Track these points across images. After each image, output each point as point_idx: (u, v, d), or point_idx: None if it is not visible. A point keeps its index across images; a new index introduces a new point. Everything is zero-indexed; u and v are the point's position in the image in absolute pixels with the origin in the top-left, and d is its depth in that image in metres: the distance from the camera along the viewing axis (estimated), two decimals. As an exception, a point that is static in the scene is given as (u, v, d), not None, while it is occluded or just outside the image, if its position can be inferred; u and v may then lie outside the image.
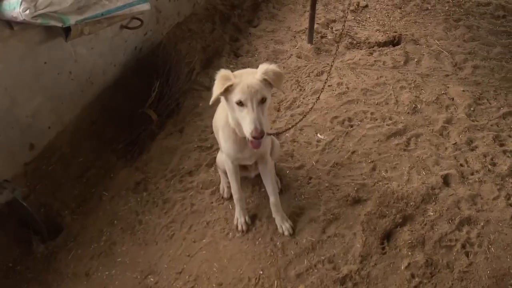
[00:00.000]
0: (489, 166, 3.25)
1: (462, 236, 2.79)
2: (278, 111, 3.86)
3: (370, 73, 4.23)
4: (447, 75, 4.21)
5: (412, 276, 2.60)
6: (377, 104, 3.85)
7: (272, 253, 2.75)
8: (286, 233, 2.85)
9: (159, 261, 2.76)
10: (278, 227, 2.88)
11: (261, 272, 2.66)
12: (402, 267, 2.64)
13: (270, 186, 2.84)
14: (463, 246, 2.74)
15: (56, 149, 3.28)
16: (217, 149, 3.47)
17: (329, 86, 4.07)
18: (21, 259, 2.77)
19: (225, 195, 3.15)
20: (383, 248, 2.75)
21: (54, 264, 2.76)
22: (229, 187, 3.11)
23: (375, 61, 4.41)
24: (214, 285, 2.61)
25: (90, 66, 3.56)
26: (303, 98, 3.97)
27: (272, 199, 2.86)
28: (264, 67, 2.24)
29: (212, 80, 4.17)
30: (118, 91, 3.80)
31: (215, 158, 3.39)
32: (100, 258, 2.80)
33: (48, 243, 2.85)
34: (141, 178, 3.27)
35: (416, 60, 4.43)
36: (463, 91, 3.96)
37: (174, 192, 3.16)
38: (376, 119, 3.69)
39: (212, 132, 3.57)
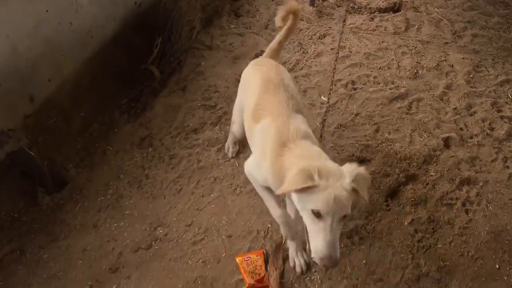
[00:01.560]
0: (488, 131, 3.35)
1: (462, 195, 2.90)
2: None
3: (372, 37, 4.24)
4: (447, 43, 4.26)
5: (416, 231, 2.69)
6: (379, 68, 3.88)
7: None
8: (298, 270, 2.51)
9: (167, 214, 2.77)
10: (291, 261, 2.54)
11: (270, 226, 2.70)
12: (406, 223, 2.73)
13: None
14: (463, 204, 2.84)
15: (57, 103, 3.20)
16: (221, 108, 3.47)
17: (331, 49, 4.06)
18: (26, 210, 2.74)
19: (230, 154, 3.14)
20: (388, 205, 2.83)
21: (60, 216, 2.75)
22: (234, 147, 3.12)
23: (376, 26, 4.41)
24: (223, 237, 2.65)
25: (91, 19, 3.44)
26: (306, 61, 3.97)
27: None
28: (354, 171, 1.82)
29: (213, 39, 4.17)
30: (119, 46, 3.70)
31: (219, 117, 3.40)
32: (107, 211, 2.79)
33: (54, 195, 2.83)
34: (145, 134, 3.24)
35: (416, 27, 4.45)
36: (463, 58, 4.02)
37: (180, 149, 3.15)
38: (379, 83, 3.72)
39: (216, 91, 3.55)
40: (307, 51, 4.07)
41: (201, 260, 2.54)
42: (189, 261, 2.54)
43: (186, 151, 3.13)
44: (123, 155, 3.10)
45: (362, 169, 1.86)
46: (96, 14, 3.49)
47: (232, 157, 3.13)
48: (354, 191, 1.79)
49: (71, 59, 3.35)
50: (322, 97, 3.61)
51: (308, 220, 1.83)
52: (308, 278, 2.46)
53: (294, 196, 1.90)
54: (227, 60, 3.92)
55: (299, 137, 2.09)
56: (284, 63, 3.93)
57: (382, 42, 4.18)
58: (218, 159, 3.09)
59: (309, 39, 4.22)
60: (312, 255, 1.81)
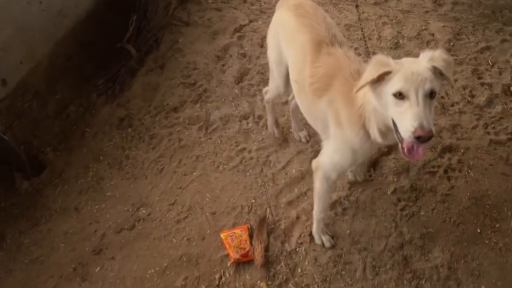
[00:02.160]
0: (468, 98, 3.35)
1: (444, 162, 2.91)
2: (262, 47, 3.77)
3: (352, 9, 4.17)
4: (427, 11, 4.22)
5: (398, 200, 2.71)
6: (360, 39, 3.83)
7: (263, 183, 2.78)
8: (359, 179, 2.74)
9: (150, 194, 2.74)
10: (351, 176, 2.75)
11: (254, 201, 2.70)
12: (389, 192, 2.74)
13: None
14: (445, 172, 2.86)
15: (30, 86, 3.11)
16: (201, 86, 3.41)
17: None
18: (5, 196, 2.70)
19: (304, 139, 3.00)
20: (370, 176, 2.84)
21: (40, 200, 2.70)
22: (302, 131, 2.99)
23: (356, -4, 4.34)
24: (207, 214, 2.64)
25: (61, -3, 3.32)
26: (286, 34, 3.89)
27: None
28: (429, 53, 1.69)
29: (190, 15, 4.07)
30: (93, 25, 3.59)
31: (199, 94, 3.34)
32: (88, 193, 2.75)
33: (32, 179, 2.77)
34: (124, 114, 3.18)
35: (397, -4, 4.39)
36: (443, 26, 3.99)
37: (161, 128, 3.10)
38: (360, 54, 3.68)
39: (195, 68, 3.49)
40: (287, 25, 4.00)
41: (185, 238, 2.53)
42: (174, 240, 2.53)
43: (167, 130, 3.08)
44: (102, 137, 3.04)
45: (439, 51, 1.70)
46: (67, -8, 3.37)
47: (307, 141, 3.00)
48: (436, 70, 1.65)
49: (43, 40, 3.24)
50: (303, 70, 3.56)
51: (393, 109, 1.66)
52: (292, 250, 2.47)
53: (374, 99, 1.75)
54: (206, 36, 3.83)
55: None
56: (263, 37, 3.85)
57: (363, 13, 4.12)
58: (200, 137, 3.05)
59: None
60: (404, 137, 1.63)
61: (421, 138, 1.55)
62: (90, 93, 3.27)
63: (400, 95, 1.62)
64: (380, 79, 1.66)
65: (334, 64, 1.99)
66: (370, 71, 1.68)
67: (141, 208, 2.67)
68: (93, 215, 2.65)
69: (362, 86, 1.71)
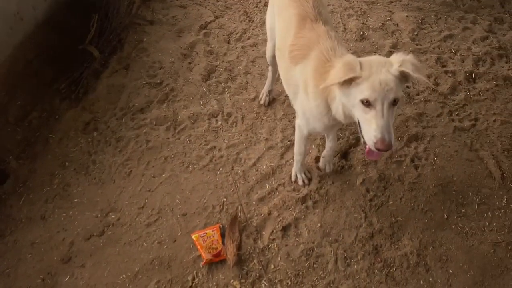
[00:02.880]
0: (433, 86, 3.41)
1: (410, 151, 2.97)
2: (228, 43, 3.74)
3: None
4: (391, 2, 4.28)
5: (367, 190, 2.75)
6: (326, 32, 3.84)
7: (234, 181, 2.77)
8: (327, 170, 2.81)
9: (118, 198, 2.70)
10: (321, 163, 2.82)
11: (225, 200, 2.69)
12: (358, 183, 2.78)
13: (332, 140, 2.69)
14: (412, 160, 2.91)
15: (-11, 93, 3.00)
16: (168, 85, 3.36)
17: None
18: (-34, 209, 2.59)
19: (263, 101, 3.19)
20: (339, 167, 2.87)
21: (4, 211, 2.62)
22: (268, 96, 3.17)
23: (321, -11, 4.35)
24: (178, 216, 2.61)
25: (17, 0, 3.20)
26: (253, 30, 3.88)
27: (328, 153, 2.77)
28: (399, 57, 1.79)
29: (154, 13, 4.00)
30: (53, 28, 3.47)
31: (166, 94, 3.30)
32: (55, 201, 2.68)
33: (-5, 190, 2.68)
34: (89, 118, 3.10)
35: (361, -13, 4.42)
36: (407, 16, 4.05)
37: (127, 130, 3.04)
38: (326, 47, 3.69)
39: (161, 68, 3.44)
40: (253, 20, 3.98)
41: (156, 241, 2.50)
42: (144, 243, 2.50)
43: (133, 132, 3.02)
44: (67, 142, 2.96)
45: (411, 57, 1.81)
46: (23, -5, 3.25)
47: (265, 105, 3.20)
48: (403, 76, 1.77)
49: (0, 45, 3.12)
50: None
51: (359, 112, 1.82)
52: (265, 247, 2.48)
53: (341, 95, 1.88)
54: (171, 34, 3.77)
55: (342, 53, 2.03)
56: (230, 33, 3.84)
57: (328, 5, 4.13)
58: (168, 138, 3.01)
59: (254, 7, 4.11)
60: (367, 143, 1.81)
61: (381, 150, 1.74)
62: (53, 97, 3.17)
63: (367, 102, 1.75)
64: (347, 82, 1.77)
65: (314, 38, 2.12)
66: (339, 73, 1.78)
67: (110, 213, 2.62)
68: (61, 223, 2.58)
69: (329, 86, 1.85)
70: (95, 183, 2.76)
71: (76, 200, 2.69)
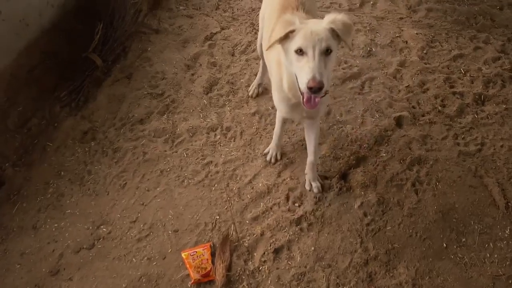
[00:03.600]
0: (439, 107, 3.32)
1: (412, 175, 2.88)
2: (233, 55, 3.71)
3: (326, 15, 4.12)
4: (402, 18, 4.19)
5: (365, 214, 2.67)
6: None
7: (228, 198, 2.72)
8: (315, 190, 2.75)
9: (111, 211, 2.67)
10: (307, 183, 2.77)
11: (218, 217, 2.64)
12: (355, 206, 2.70)
13: (312, 145, 2.66)
14: (413, 184, 2.83)
15: (-9, 98, 3.01)
16: (169, 96, 3.34)
17: (284, 29, 3.93)
18: (-40, 215, 2.59)
19: (250, 93, 3.33)
20: (338, 189, 2.79)
21: (-3, 219, 2.61)
22: (257, 88, 3.32)
23: (331, 3, 4.30)
24: (170, 232, 2.57)
25: (24, 6, 3.22)
26: (258, 42, 3.83)
27: (311, 158, 2.69)
28: (332, 16, 1.93)
29: (161, 22, 3.98)
30: (58, 34, 3.48)
31: (167, 105, 3.28)
32: (47, 211, 2.67)
33: (-12, 198, 2.67)
34: (88, 127, 3.09)
35: (371, 2, 4.35)
36: (417, 34, 3.97)
37: (125, 141, 3.02)
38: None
39: (163, 78, 3.42)
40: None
41: (146, 258, 2.46)
42: (134, 259, 2.46)
43: (131, 143, 3.00)
44: (64, 151, 2.95)
45: (342, 16, 1.95)
46: (30, 1, 3.27)
47: (252, 97, 3.31)
48: (333, 32, 1.90)
49: (4, 50, 3.14)
50: (274, 79, 3.51)
51: (295, 65, 1.92)
52: (255, 269, 2.42)
53: (283, 56, 2.03)
54: (176, 44, 3.76)
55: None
56: (235, 45, 3.80)
57: (336, 19, 4.08)
58: (165, 151, 2.98)
59: (261, 19, 4.07)
60: (301, 88, 1.92)
61: (312, 88, 1.82)
62: (53, 105, 3.18)
63: (300, 52, 1.87)
64: (286, 37, 1.91)
65: None
66: (279, 30, 1.92)
67: (102, 226, 2.60)
68: (52, 234, 2.57)
69: (272, 44, 1.97)
70: (89, 194, 2.74)
71: (69, 211, 2.67)
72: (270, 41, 1.99)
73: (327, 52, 1.87)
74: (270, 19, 2.43)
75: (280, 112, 2.57)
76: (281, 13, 2.30)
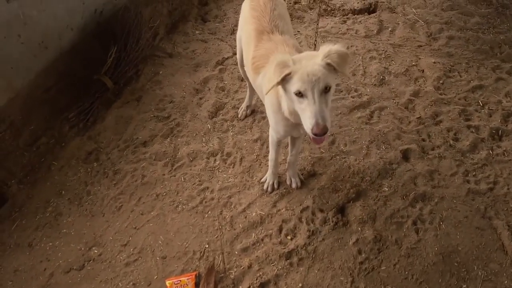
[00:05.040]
0: (451, 141, 3.17)
1: (414, 212, 2.74)
2: (242, 80, 3.72)
3: (341, 42, 4.07)
4: (420, 46, 4.07)
5: (359, 252, 2.56)
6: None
7: (220, 227, 2.70)
8: (293, 185, 2.88)
9: (104, 233, 2.71)
10: (287, 179, 2.90)
11: (207, 246, 2.61)
12: (350, 243, 2.60)
13: (295, 147, 2.74)
14: (414, 223, 2.69)
15: (6, 116, 3.15)
16: (174, 120, 3.38)
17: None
18: (-37, 229, 2.71)
19: (239, 115, 3.34)
20: (334, 223, 2.70)
21: (-4, 235, 2.71)
22: (245, 110, 3.36)
23: (347, 29, 4.25)
24: (158, 258, 2.57)
25: (42, 29, 3.38)
26: (269, 67, 3.83)
27: (292, 158, 2.80)
28: (326, 48, 1.91)
29: (175, 46, 4.07)
30: (77, 56, 3.63)
31: (171, 128, 3.31)
32: (44, 229, 2.74)
33: (-9, 213, 2.79)
34: (93, 148, 3.18)
35: (390, 29, 4.26)
36: (434, 63, 3.83)
37: (126, 163, 3.08)
38: (341, 91, 3.57)
39: (171, 102, 3.47)
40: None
41: (131, 283, 2.47)
42: (120, 284, 2.47)
43: (132, 165, 3.05)
44: (67, 170, 3.04)
45: (337, 46, 1.92)
46: (49, 25, 3.42)
47: (241, 119, 3.36)
48: (330, 66, 1.88)
49: (23, 71, 3.29)
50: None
51: (297, 105, 1.94)
52: (239, 303, 2.37)
53: (283, 92, 2.04)
54: (187, 68, 3.82)
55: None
56: (245, 71, 3.81)
57: (351, 46, 4.02)
58: (164, 174, 3.01)
59: (274, 45, 4.07)
60: (306, 131, 1.92)
61: (317, 135, 1.85)
62: (63, 125, 3.29)
63: (300, 94, 1.88)
64: (284, 79, 1.91)
65: (272, 47, 2.29)
66: (274, 75, 1.92)
67: (93, 248, 2.63)
68: (46, 252, 2.63)
69: (271, 88, 1.97)
70: (85, 215, 2.80)
71: (65, 230, 2.73)
72: (267, 86, 2.00)
73: (326, 89, 1.88)
74: (248, 43, 2.47)
75: (278, 134, 2.52)
76: (257, 37, 2.39)
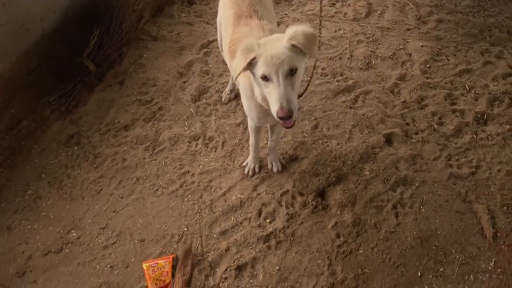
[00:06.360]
0: (435, 126, 3.14)
1: (394, 196, 2.73)
2: (226, 64, 3.67)
3: (329, 25, 4.02)
4: (409, 29, 4.01)
5: (338, 235, 2.55)
6: (330, 58, 3.68)
7: (199, 210, 2.69)
8: (274, 169, 2.87)
9: (83, 216, 2.70)
10: (269, 163, 2.89)
11: (186, 229, 2.61)
12: (329, 226, 2.59)
13: (276, 133, 2.71)
14: (394, 207, 2.68)
15: (-13, 100, 3.14)
16: (157, 103, 3.35)
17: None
18: None
19: (223, 99, 3.32)
20: (313, 207, 2.70)
21: (-25, 219, 2.70)
22: (229, 94, 3.33)
23: (336, 12, 4.19)
24: (136, 241, 2.57)
25: (23, 12, 3.33)
26: (255, 51, 3.78)
27: (272, 143, 2.78)
28: (292, 30, 1.86)
29: (160, 29, 4.02)
30: (59, 39, 3.58)
31: (153, 112, 3.29)
32: (24, 212, 2.74)
33: (-30, 197, 2.78)
34: (74, 131, 3.15)
35: (379, 12, 4.20)
36: (422, 46, 3.78)
37: (107, 147, 3.06)
38: (327, 75, 3.53)
39: (154, 85, 3.44)
40: (257, 41, 3.89)
41: (109, 265, 2.47)
42: (97, 266, 2.47)
43: (112, 149, 3.03)
44: (48, 154, 3.02)
45: (304, 27, 1.87)
46: (30, 7, 3.37)
47: (224, 103, 3.32)
48: (295, 47, 1.83)
49: (3, 54, 3.25)
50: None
51: (263, 89, 1.92)
52: (215, 285, 2.37)
53: (252, 77, 1.99)
54: (172, 51, 3.78)
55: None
56: (230, 54, 3.77)
57: (338, 29, 3.96)
58: (144, 158, 2.99)
59: (261, 28, 4.02)
60: (273, 114, 1.88)
61: (282, 118, 1.82)
62: (44, 108, 3.27)
63: (265, 78, 1.85)
64: (250, 64, 1.87)
65: (248, 32, 2.24)
66: (240, 60, 1.88)
67: (72, 231, 2.63)
68: (24, 235, 2.63)
69: (238, 74, 1.94)
70: (65, 198, 2.79)
71: (44, 213, 2.73)
72: (235, 72, 1.97)
73: (291, 72, 1.84)
74: (227, 28, 2.45)
75: (253, 121, 2.52)
76: (235, 21, 2.34)
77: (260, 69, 1.84)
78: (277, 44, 1.85)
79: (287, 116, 1.82)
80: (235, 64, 1.98)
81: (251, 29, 2.25)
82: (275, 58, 1.80)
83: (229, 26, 2.40)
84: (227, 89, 3.33)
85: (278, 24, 4.07)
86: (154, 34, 3.90)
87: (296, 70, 1.84)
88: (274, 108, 1.84)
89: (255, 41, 1.89)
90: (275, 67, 1.80)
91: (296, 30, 1.85)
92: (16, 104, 3.25)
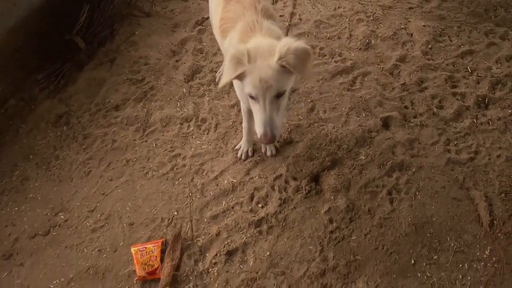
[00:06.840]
0: (435, 109, 3.05)
1: (390, 182, 2.67)
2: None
3: (328, 3, 3.88)
4: (411, 8, 3.87)
5: (330, 221, 2.50)
6: (328, 38, 3.55)
7: (190, 194, 2.63)
8: (268, 153, 2.80)
9: (72, 198, 2.65)
10: (262, 147, 2.81)
11: (176, 213, 2.56)
12: (322, 212, 2.54)
13: None
14: (389, 193, 2.62)
15: (-27, 78, 3.04)
16: (148, 83, 3.25)
17: (280, 16, 3.73)
18: None
19: (217, 80, 3.20)
20: (307, 192, 2.63)
21: (-40, 199, 2.65)
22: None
23: (335, -11, 4.03)
24: (125, 224, 2.52)
25: (10, -15, 3.20)
26: (251, 29, 3.65)
27: None
28: (284, 46, 1.78)
29: (153, 5, 3.88)
30: (48, 15, 3.45)
31: (145, 92, 3.20)
32: (10, 194, 2.68)
33: (-44, 177, 2.72)
34: (63, 111, 3.07)
35: (381, -11, 4.05)
36: (424, 26, 3.65)
37: (97, 127, 2.98)
38: (325, 55, 3.42)
39: (146, 64, 3.34)
40: (254, 19, 3.75)
41: (97, 249, 2.43)
42: (85, 249, 2.43)
43: (102, 130, 2.96)
44: (36, 134, 2.95)
45: (297, 44, 1.81)
46: (18, -20, 3.24)
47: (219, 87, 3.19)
48: (285, 67, 1.79)
49: (-10, 30, 3.15)
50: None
51: (250, 103, 1.94)
52: (204, 270, 2.33)
53: (239, 85, 1.97)
54: (165, 29, 3.65)
55: (265, 31, 2.03)
56: (225, 32, 3.64)
57: (338, 7, 3.82)
58: (135, 140, 2.91)
59: (258, 5, 3.88)
60: (257, 132, 1.91)
61: (265, 143, 1.90)
62: (33, 87, 3.17)
63: (251, 96, 1.85)
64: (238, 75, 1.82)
65: (240, 11, 2.16)
66: (228, 71, 1.83)
67: (60, 213, 2.58)
68: (11, 217, 2.58)
69: (224, 85, 1.89)
70: (53, 180, 2.73)
71: (31, 195, 2.67)
72: (221, 82, 1.90)
73: (278, 95, 1.83)
74: (217, 4, 2.36)
75: (244, 104, 2.45)
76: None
77: (247, 88, 1.83)
78: (266, 64, 1.78)
79: (270, 142, 1.89)
80: (225, 70, 1.89)
81: (243, 8, 2.16)
82: (263, 81, 1.77)
83: (219, 3, 2.30)
84: (222, 68, 3.22)
85: (276, 1, 3.93)
86: (147, 10, 3.77)
87: (283, 93, 1.85)
88: (258, 131, 1.87)
89: (245, 49, 1.81)
90: (263, 90, 1.79)
91: (289, 47, 1.78)
92: (3, 82, 3.15)
